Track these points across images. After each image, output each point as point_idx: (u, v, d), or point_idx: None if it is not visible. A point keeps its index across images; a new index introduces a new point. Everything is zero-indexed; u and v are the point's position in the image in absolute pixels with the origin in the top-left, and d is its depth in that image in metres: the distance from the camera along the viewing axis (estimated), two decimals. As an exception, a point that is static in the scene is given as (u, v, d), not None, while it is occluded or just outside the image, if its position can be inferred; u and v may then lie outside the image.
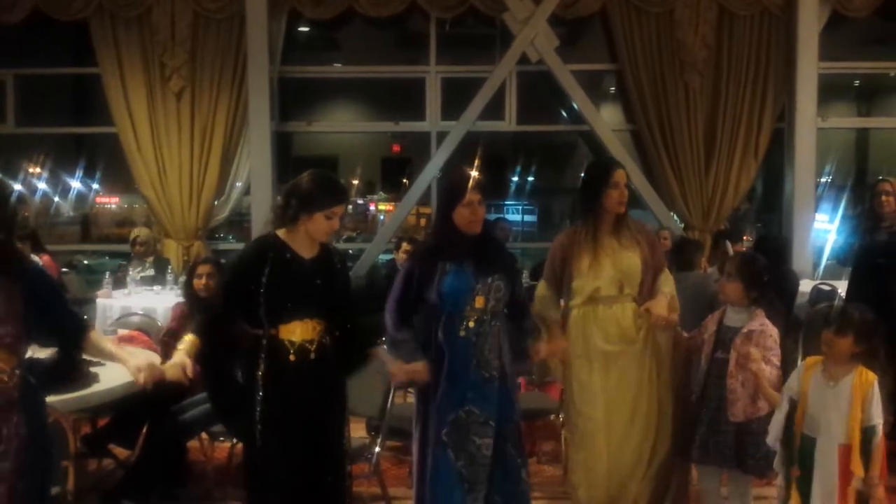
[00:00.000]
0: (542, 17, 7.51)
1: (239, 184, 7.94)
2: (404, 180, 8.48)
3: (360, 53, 8.72)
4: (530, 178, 10.69)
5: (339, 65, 8.92)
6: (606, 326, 3.46)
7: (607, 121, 8.05)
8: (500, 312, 3.22)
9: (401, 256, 6.24)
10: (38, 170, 9.19)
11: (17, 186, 9.22)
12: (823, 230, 8.11)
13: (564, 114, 8.55)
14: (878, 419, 2.85)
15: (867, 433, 2.84)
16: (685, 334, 3.51)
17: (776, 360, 3.24)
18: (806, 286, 6.66)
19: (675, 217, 7.73)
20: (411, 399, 4.91)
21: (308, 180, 3.00)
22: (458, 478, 3.14)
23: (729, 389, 3.19)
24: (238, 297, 3.00)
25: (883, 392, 2.86)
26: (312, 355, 2.98)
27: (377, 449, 3.95)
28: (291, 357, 2.97)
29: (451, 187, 3.23)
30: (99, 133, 8.07)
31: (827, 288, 6.13)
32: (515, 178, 10.59)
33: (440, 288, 3.14)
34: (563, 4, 7.51)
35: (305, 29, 8.47)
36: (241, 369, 3.07)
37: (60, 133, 8.76)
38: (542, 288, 3.68)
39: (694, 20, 7.45)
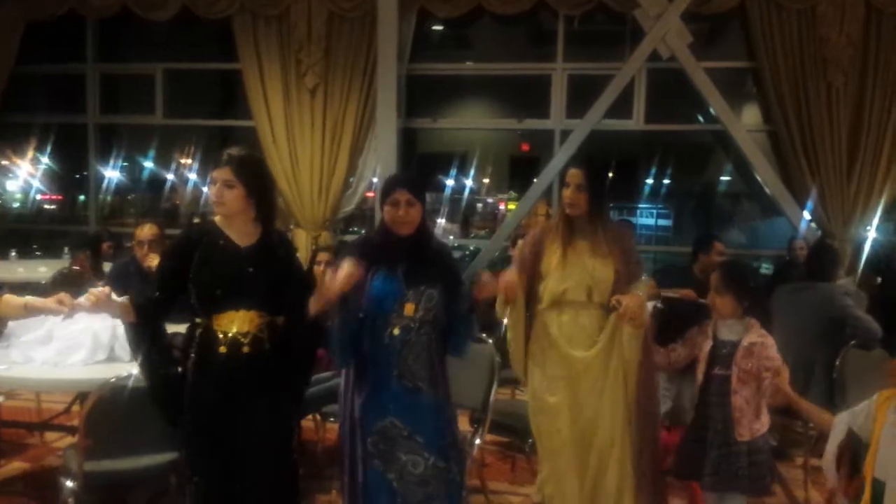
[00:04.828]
0: (676, 13, 7.27)
1: (373, 179, 8.08)
2: (535, 180, 8.41)
3: (491, 51, 8.72)
4: (666, 181, 10.35)
5: (471, 63, 8.98)
6: (572, 333, 3.26)
7: (744, 121, 7.71)
8: (431, 322, 3.03)
9: (516, 252, 6.21)
10: (188, 160, 9.80)
11: (170, 176, 9.91)
12: None
13: (700, 116, 8.24)
14: None
15: None
16: (661, 348, 3.29)
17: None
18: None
19: (814, 224, 7.30)
20: (520, 395, 4.90)
21: None
22: (389, 490, 2.97)
23: (734, 407, 2.96)
24: (169, 283, 2.92)
25: None
26: (246, 348, 2.86)
27: (478, 441, 3.93)
28: (222, 349, 2.86)
29: (383, 184, 3.15)
30: (243, 126, 8.42)
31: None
32: (650, 181, 10.29)
33: (368, 290, 2.97)
34: (698, 0, 7.25)
35: (439, 28, 8.58)
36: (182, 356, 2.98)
37: (205, 125, 9.24)
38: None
39: (839, 17, 6.99)
